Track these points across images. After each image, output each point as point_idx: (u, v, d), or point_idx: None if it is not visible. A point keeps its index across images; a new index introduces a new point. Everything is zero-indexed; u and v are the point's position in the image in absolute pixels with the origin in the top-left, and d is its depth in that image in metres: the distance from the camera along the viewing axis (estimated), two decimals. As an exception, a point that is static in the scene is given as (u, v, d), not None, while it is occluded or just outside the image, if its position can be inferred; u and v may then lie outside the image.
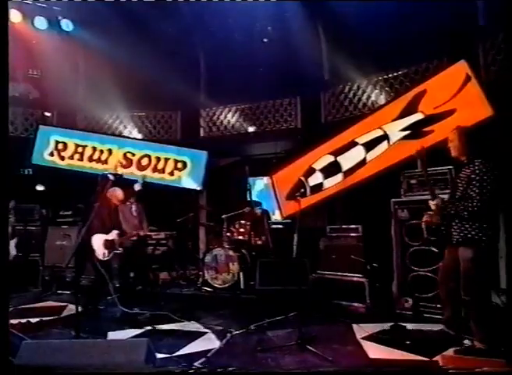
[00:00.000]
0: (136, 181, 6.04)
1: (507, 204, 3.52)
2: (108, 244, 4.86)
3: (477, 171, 3.21)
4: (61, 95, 8.17)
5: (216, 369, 3.17)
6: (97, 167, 7.67)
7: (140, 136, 8.73)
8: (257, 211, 6.42)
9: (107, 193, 4.99)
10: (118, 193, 5.17)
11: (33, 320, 4.39)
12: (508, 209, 3.74)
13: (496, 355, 2.94)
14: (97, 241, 4.85)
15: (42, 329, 4.21)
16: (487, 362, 2.78)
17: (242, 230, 6.47)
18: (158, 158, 7.75)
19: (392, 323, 4.07)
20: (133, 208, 6.26)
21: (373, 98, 7.19)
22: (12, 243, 6.25)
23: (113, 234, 4.94)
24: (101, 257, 4.83)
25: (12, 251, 6.20)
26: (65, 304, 5.34)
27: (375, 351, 3.45)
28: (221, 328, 4.18)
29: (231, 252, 5.91)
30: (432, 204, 3.42)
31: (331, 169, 5.97)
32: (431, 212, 3.45)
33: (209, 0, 7.31)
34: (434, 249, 4.38)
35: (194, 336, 3.98)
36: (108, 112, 8.77)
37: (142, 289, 5.82)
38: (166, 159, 7.76)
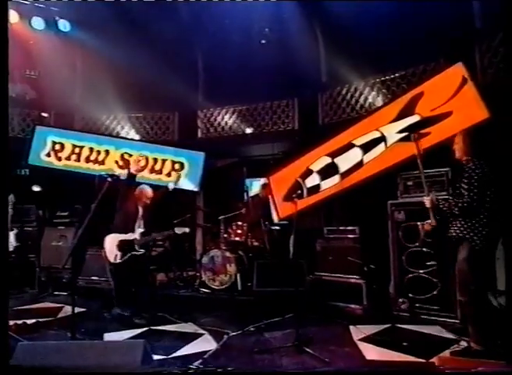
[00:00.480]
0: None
1: (504, 205, 3.51)
2: (123, 245, 4.51)
3: (466, 168, 3.29)
4: (58, 96, 8.15)
5: (212, 370, 3.16)
6: (95, 168, 7.65)
7: (137, 137, 8.74)
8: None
9: (135, 191, 4.76)
10: (147, 191, 4.93)
11: (29, 322, 4.37)
12: (505, 210, 3.73)
13: (492, 357, 2.96)
14: (110, 242, 4.55)
15: (38, 330, 4.19)
16: (483, 364, 2.79)
17: (239, 231, 6.47)
18: (156, 159, 7.74)
19: (389, 325, 4.08)
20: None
21: (370, 99, 7.22)
22: (12, 234, 6.17)
23: (135, 234, 4.60)
24: (111, 259, 4.54)
25: (13, 242, 6.14)
26: (61, 305, 5.31)
27: (372, 353, 3.45)
28: (218, 329, 4.17)
29: (228, 254, 5.90)
30: (427, 199, 3.44)
31: (328, 171, 5.97)
32: (429, 221, 3.46)
33: (208, 0, 7.32)
34: (430, 251, 4.41)
35: (191, 337, 3.97)
36: (106, 113, 8.76)
37: (138, 290, 5.79)
38: (163, 160, 7.75)
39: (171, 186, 5.27)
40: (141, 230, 4.67)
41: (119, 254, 4.53)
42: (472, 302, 3.22)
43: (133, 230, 4.65)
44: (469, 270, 3.22)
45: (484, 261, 3.24)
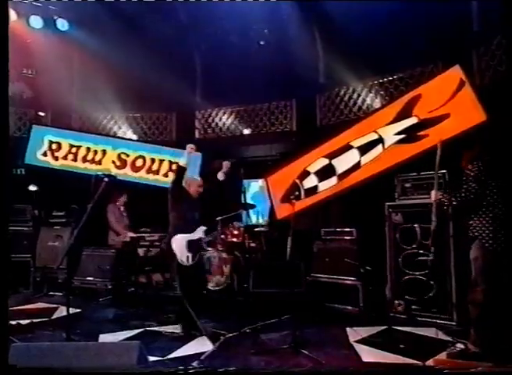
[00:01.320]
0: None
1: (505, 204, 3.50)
2: (193, 246, 4.28)
3: (466, 170, 3.35)
4: (55, 95, 8.10)
5: (209, 370, 3.14)
6: (91, 168, 7.61)
7: (134, 137, 8.71)
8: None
9: (184, 183, 4.41)
10: (198, 180, 4.63)
11: (24, 322, 4.34)
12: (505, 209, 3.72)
13: (489, 359, 2.95)
14: (179, 243, 4.26)
15: (32, 331, 4.15)
16: (480, 366, 2.79)
17: (236, 232, 6.45)
18: (153, 160, 7.71)
19: (385, 327, 4.08)
20: (122, 208, 6.28)
21: (368, 101, 7.23)
22: None
23: (199, 232, 4.33)
24: (185, 261, 4.24)
25: None
26: (56, 306, 5.28)
27: (369, 355, 3.44)
28: (214, 331, 4.15)
29: (224, 255, 5.87)
30: (432, 193, 3.56)
31: (325, 172, 5.98)
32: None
33: (208, 0, 7.32)
34: (427, 252, 4.40)
35: (187, 339, 3.95)
36: (103, 113, 8.74)
37: (134, 291, 5.78)
38: (161, 161, 7.71)
39: (220, 176, 4.88)
40: (204, 227, 4.40)
41: (190, 255, 4.26)
42: (480, 303, 3.19)
43: (193, 228, 4.35)
44: (480, 270, 3.20)
45: (496, 261, 3.17)
